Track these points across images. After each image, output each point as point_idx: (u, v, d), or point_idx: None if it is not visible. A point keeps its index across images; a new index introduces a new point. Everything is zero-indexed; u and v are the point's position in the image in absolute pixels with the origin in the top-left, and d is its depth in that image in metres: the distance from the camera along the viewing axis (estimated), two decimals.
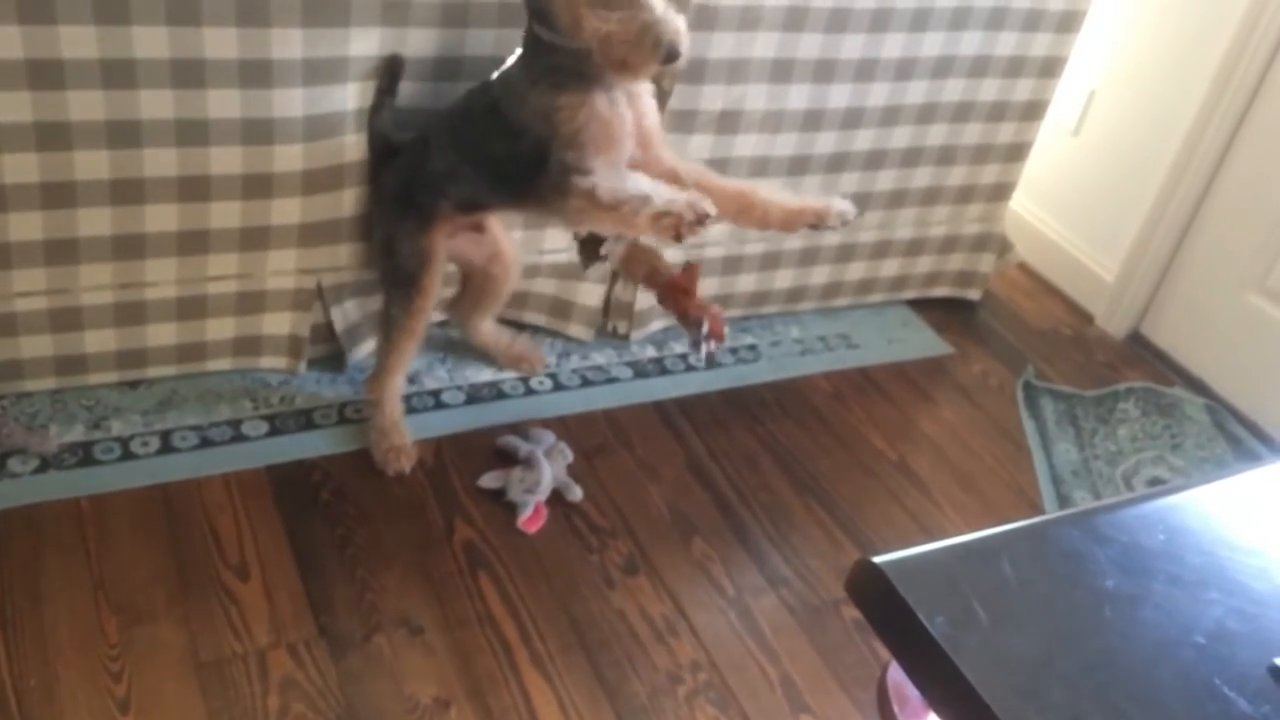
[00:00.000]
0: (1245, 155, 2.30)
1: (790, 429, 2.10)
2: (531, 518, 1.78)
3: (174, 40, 1.54)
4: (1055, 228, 2.72)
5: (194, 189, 1.69)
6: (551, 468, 1.82)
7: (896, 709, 0.90)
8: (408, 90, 1.77)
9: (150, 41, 1.53)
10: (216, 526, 1.67)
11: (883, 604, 0.72)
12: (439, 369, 2.06)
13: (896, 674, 0.91)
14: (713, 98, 1.97)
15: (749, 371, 2.23)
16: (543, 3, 1.54)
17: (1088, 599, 0.74)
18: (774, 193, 1.69)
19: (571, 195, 1.56)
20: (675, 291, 1.75)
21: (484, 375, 2.07)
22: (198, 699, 1.43)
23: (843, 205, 1.68)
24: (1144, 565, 0.77)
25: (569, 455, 1.89)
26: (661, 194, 1.51)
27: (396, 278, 1.78)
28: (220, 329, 1.88)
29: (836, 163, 2.20)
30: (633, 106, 1.63)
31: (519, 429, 1.93)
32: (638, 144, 1.65)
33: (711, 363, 1.74)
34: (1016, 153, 2.41)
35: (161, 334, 1.83)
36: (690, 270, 1.75)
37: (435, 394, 2.01)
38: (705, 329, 1.71)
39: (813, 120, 2.10)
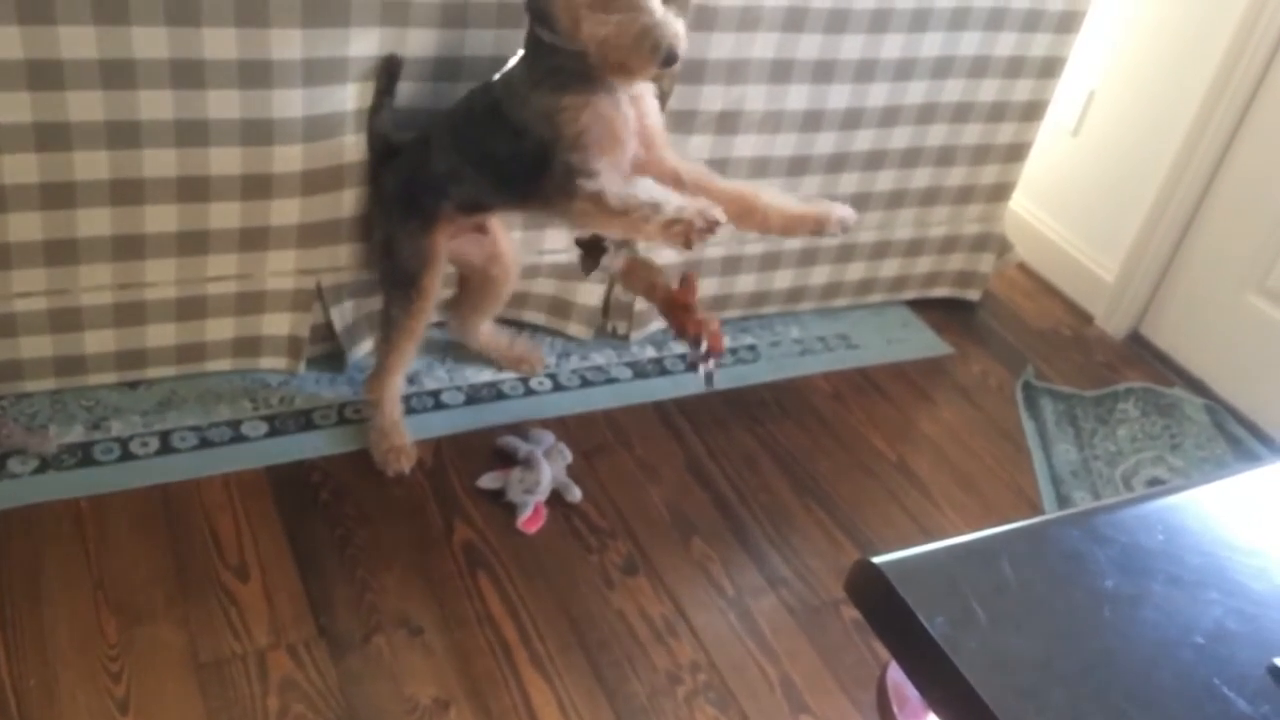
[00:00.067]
0: (1245, 155, 2.30)
1: (790, 429, 2.10)
2: (531, 518, 1.78)
3: (173, 41, 1.54)
4: (1055, 228, 2.72)
5: (193, 189, 1.69)
6: (551, 468, 1.82)
7: (896, 709, 0.90)
8: (407, 91, 1.77)
9: (150, 42, 1.53)
10: (216, 527, 1.67)
11: (882, 604, 0.72)
12: (438, 369, 2.06)
13: (896, 674, 0.91)
14: (712, 98, 1.97)
15: (748, 372, 2.23)
16: (544, 5, 1.54)
17: (1087, 599, 0.74)
18: (775, 197, 1.69)
19: (577, 198, 1.56)
20: (674, 307, 1.75)
21: (483, 376, 2.07)
22: (197, 700, 1.43)
23: (843, 212, 1.68)
24: (1143, 565, 0.77)
25: (568, 456, 1.89)
26: (672, 201, 1.51)
27: (397, 278, 1.78)
28: (220, 329, 1.88)
29: (836, 163, 2.20)
30: (635, 106, 1.63)
31: (518, 429, 1.93)
32: (640, 144, 1.65)
33: (711, 384, 1.73)
34: (1016, 153, 2.41)
35: (161, 334, 1.83)
36: (687, 283, 1.74)
37: (435, 394, 2.01)
38: (704, 348, 1.70)
39: (812, 121, 2.10)
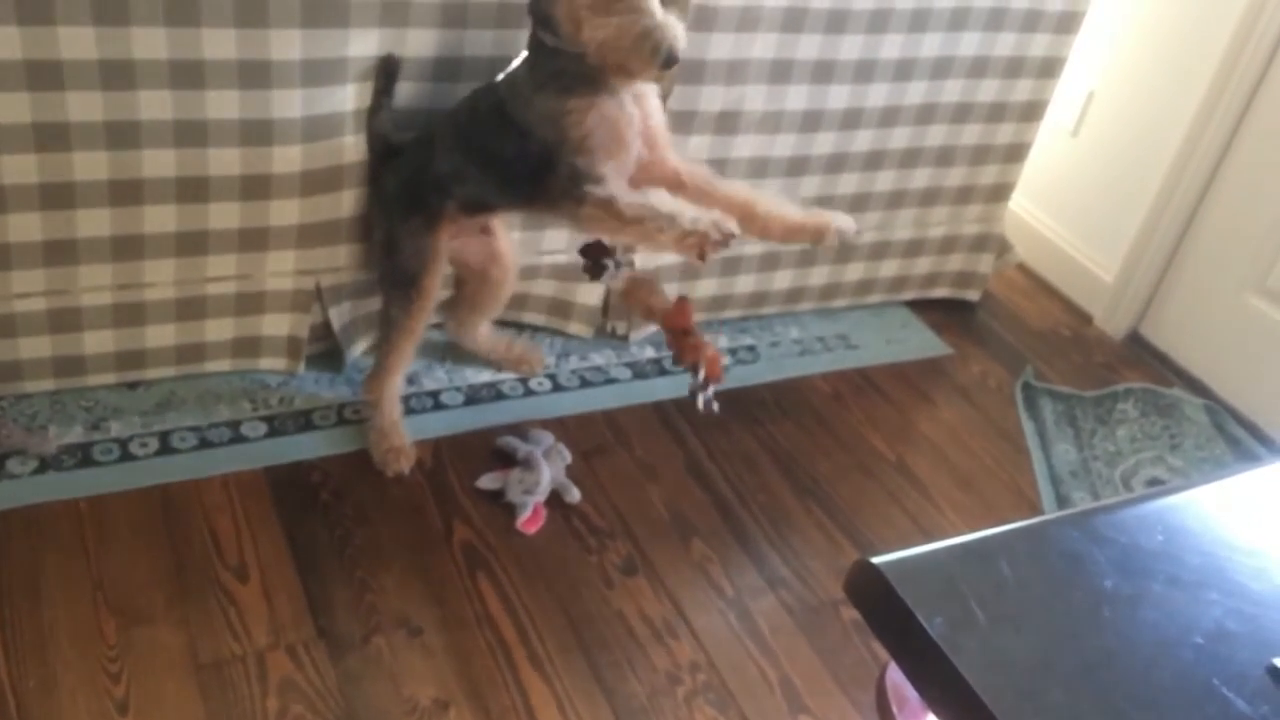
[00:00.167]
0: (1244, 156, 2.30)
1: (789, 430, 2.10)
2: (530, 519, 1.78)
3: (173, 41, 1.54)
4: (1054, 228, 2.72)
5: (193, 190, 1.69)
6: (550, 469, 1.82)
7: (895, 710, 0.90)
8: (407, 91, 1.77)
9: (149, 42, 1.53)
10: (215, 528, 1.67)
11: (881, 605, 0.72)
12: (438, 370, 2.06)
13: (895, 675, 0.91)
14: (712, 98, 1.97)
15: (748, 372, 2.23)
16: (546, 9, 1.54)
17: (1086, 599, 0.74)
18: (777, 205, 1.69)
19: (586, 203, 1.56)
20: (673, 332, 1.73)
21: (483, 376, 2.07)
22: (197, 700, 1.43)
23: (843, 222, 1.69)
24: (1143, 566, 0.77)
25: (568, 456, 1.89)
26: (687, 213, 1.53)
27: (397, 277, 1.78)
28: (219, 330, 1.87)
29: (835, 163, 2.20)
30: (639, 106, 1.63)
31: (518, 430, 1.93)
32: (644, 144, 1.65)
33: (710, 411, 1.71)
34: (1015, 153, 2.41)
35: (160, 335, 1.83)
36: (682, 306, 1.72)
37: (434, 395, 2.01)
38: (701, 376, 1.69)
39: (812, 121, 2.10)
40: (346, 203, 1.82)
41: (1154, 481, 2.12)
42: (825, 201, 2.23)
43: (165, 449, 1.78)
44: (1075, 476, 2.10)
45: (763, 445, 2.04)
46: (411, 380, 2.00)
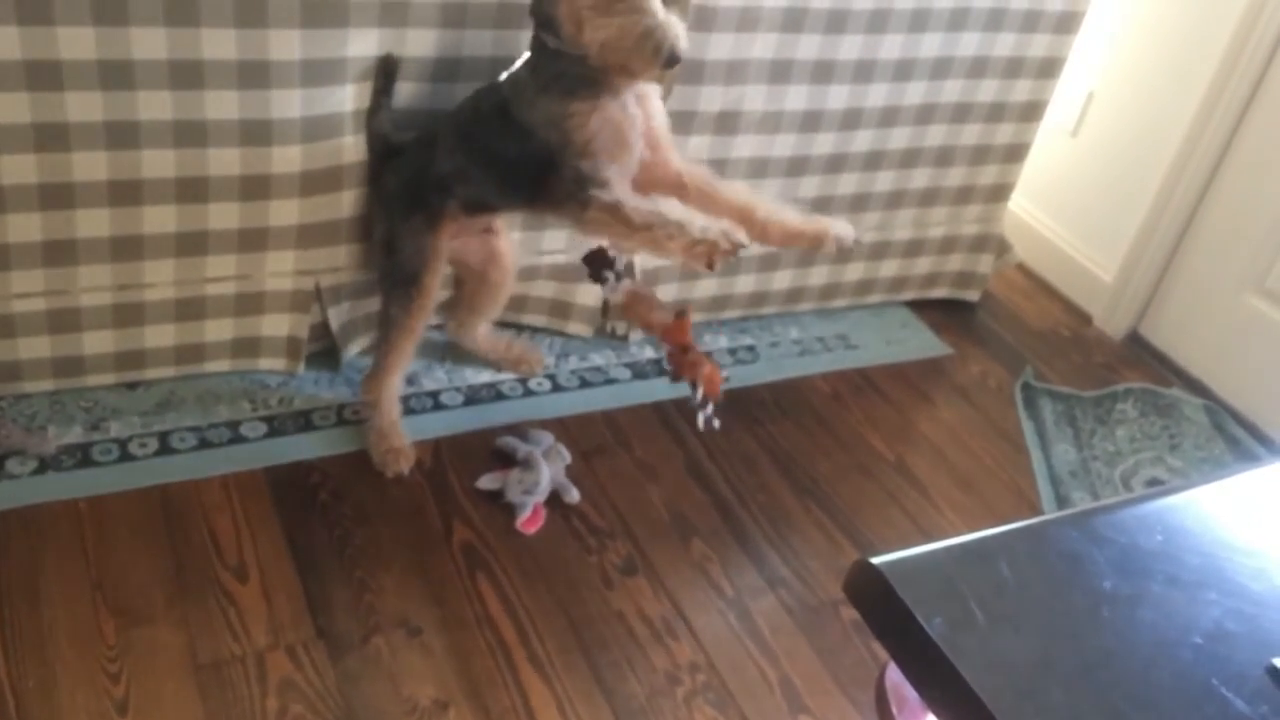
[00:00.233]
0: (1244, 156, 2.30)
1: (789, 430, 2.10)
2: (530, 519, 1.78)
3: (172, 41, 1.54)
4: (1054, 228, 2.72)
5: (192, 190, 1.69)
6: (550, 469, 1.82)
7: (895, 710, 0.90)
8: (406, 91, 1.77)
9: (148, 42, 1.53)
10: (215, 528, 1.67)
11: (881, 605, 0.72)
12: (437, 370, 2.06)
13: (895, 675, 0.91)
14: (711, 98, 1.97)
15: (747, 372, 2.23)
16: (548, 11, 1.54)
17: (1086, 600, 0.74)
18: (776, 210, 1.69)
19: (591, 207, 1.56)
20: (672, 347, 1.72)
21: (482, 376, 2.07)
22: (196, 700, 1.43)
23: (842, 230, 1.69)
24: (1142, 566, 0.77)
25: (567, 456, 1.89)
26: (696, 222, 1.53)
27: (397, 277, 1.78)
28: (219, 330, 1.87)
29: (835, 164, 2.20)
30: (642, 107, 1.63)
31: (517, 430, 1.93)
32: (646, 145, 1.65)
33: (710, 429, 1.71)
34: (1015, 153, 2.41)
35: (160, 335, 1.83)
36: (681, 323, 1.71)
37: (434, 395, 2.01)
38: (700, 394, 1.69)
39: (811, 121, 2.10)
40: (346, 203, 1.82)
41: (1153, 482, 2.12)
42: (825, 201, 2.23)
43: (165, 449, 1.78)
44: (1075, 477, 2.10)
45: (762, 445, 2.04)
46: (411, 380, 2.00)
